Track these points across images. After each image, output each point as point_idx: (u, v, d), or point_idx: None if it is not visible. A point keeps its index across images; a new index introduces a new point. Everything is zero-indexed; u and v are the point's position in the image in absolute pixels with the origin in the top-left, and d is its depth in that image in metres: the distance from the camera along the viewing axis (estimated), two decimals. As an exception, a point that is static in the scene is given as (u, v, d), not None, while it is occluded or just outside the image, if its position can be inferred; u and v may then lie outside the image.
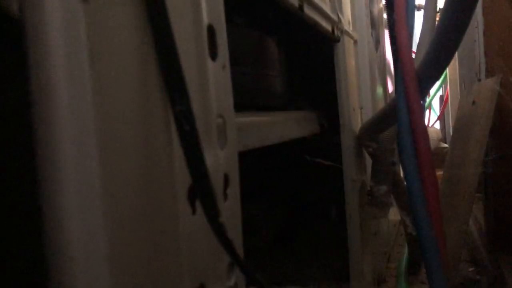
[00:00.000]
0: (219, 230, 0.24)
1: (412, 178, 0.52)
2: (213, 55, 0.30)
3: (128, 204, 0.21)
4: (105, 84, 0.20)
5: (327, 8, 0.66)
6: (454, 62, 2.06)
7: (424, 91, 0.56)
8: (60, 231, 0.17)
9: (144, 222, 0.22)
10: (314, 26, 0.63)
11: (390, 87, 1.45)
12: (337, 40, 0.74)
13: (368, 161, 0.87)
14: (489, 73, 0.92)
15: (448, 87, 2.85)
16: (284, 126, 0.61)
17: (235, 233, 0.32)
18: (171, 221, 0.25)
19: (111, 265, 0.19)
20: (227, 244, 0.24)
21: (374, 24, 1.17)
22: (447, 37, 0.47)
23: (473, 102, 0.97)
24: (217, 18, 0.31)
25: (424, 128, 0.52)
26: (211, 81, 0.29)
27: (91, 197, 0.19)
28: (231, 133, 0.33)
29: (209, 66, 0.29)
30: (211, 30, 0.30)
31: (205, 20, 0.29)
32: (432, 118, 3.55)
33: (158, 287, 0.23)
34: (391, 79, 1.46)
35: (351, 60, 0.83)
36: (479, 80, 1.03)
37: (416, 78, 0.55)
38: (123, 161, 0.21)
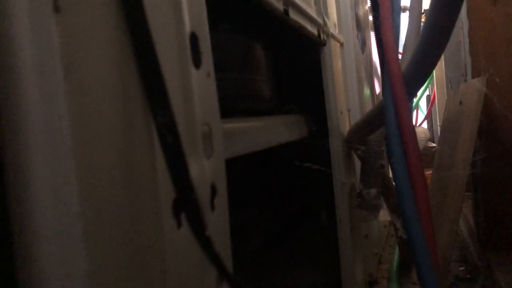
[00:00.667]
0: (206, 244, 0.23)
1: (402, 180, 0.52)
2: (197, 63, 0.29)
3: (109, 220, 0.20)
4: (81, 96, 0.19)
5: (312, 12, 0.66)
6: (441, 63, 2.08)
7: (411, 93, 0.56)
8: (34, 253, 0.17)
9: (126, 238, 0.22)
10: (300, 30, 0.62)
11: (377, 89, 1.45)
12: (323, 43, 0.74)
13: (357, 163, 0.87)
14: (475, 73, 0.92)
15: (435, 87, 2.88)
16: (272, 131, 0.60)
17: (223, 244, 0.31)
18: (155, 236, 0.24)
19: (90, 282, 0.18)
20: (214, 258, 0.23)
21: (359, 26, 1.17)
22: (433, 38, 0.46)
23: (460, 103, 0.97)
24: (200, 25, 0.30)
25: (412, 129, 0.52)
26: (195, 90, 0.28)
27: (68, 214, 0.18)
28: (217, 141, 0.32)
29: (192, 75, 0.28)
30: (194, 38, 0.29)
31: (188, 28, 0.28)
32: (419, 118, 3.57)
33: (143, 305, 0.22)
34: (378, 80, 1.47)
35: (337, 63, 0.83)
36: (466, 80, 1.04)
37: (403, 80, 0.54)
38: (102, 175, 0.20)
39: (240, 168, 0.80)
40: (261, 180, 0.98)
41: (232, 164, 0.37)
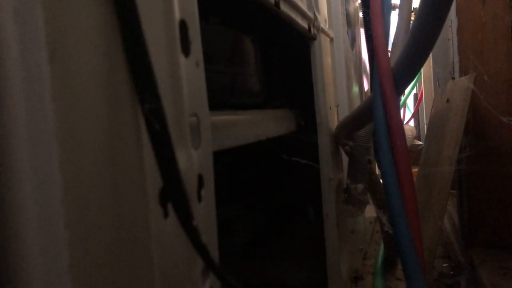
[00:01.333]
0: (192, 234, 0.23)
1: (389, 175, 0.52)
2: (186, 52, 0.29)
3: (93, 209, 0.20)
4: (66, 81, 0.19)
5: (303, 6, 0.66)
6: (428, 61, 2.09)
7: (400, 89, 0.56)
8: (17, 238, 0.16)
9: (112, 227, 0.21)
10: (290, 24, 0.62)
11: (366, 86, 1.46)
12: (314, 38, 0.73)
13: (345, 159, 0.87)
14: (463, 71, 0.93)
15: (423, 85, 2.90)
16: (260, 124, 0.60)
17: (210, 235, 0.30)
18: (141, 225, 0.24)
19: (73, 275, 0.18)
20: (201, 249, 0.23)
21: (350, 22, 1.17)
22: (422, 36, 0.47)
23: (447, 100, 0.98)
24: (190, 13, 0.30)
25: (400, 125, 0.52)
26: (183, 78, 0.28)
27: (51, 202, 0.18)
28: (205, 132, 0.31)
29: (181, 63, 0.28)
30: (183, 26, 0.29)
31: (177, 15, 0.28)
32: (406, 116, 3.60)
33: (127, 295, 0.22)
34: (366, 77, 1.47)
35: (327, 58, 0.83)
36: (453, 78, 1.05)
37: (392, 76, 0.55)
38: (87, 162, 0.20)
39: (227, 162, 0.80)
40: (248, 175, 0.98)
41: (220, 158, 0.37)
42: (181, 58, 0.28)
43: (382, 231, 0.96)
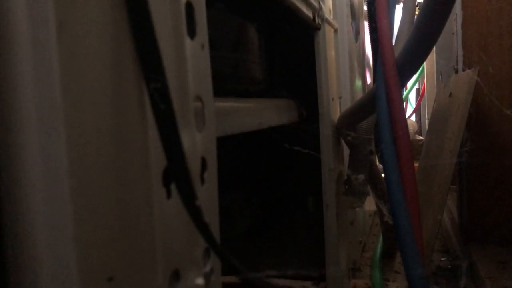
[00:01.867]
0: (195, 214, 0.23)
1: (391, 166, 0.52)
2: (192, 33, 0.29)
3: (98, 187, 0.20)
4: (73, 58, 0.19)
5: (308, -6, 0.65)
6: (432, 55, 2.09)
7: (403, 81, 0.56)
8: (23, 214, 0.16)
9: (115, 206, 0.21)
10: (295, 13, 0.62)
11: (368, 79, 1.45)
12: (318, 27, 0.73)
13: (346, 152, 0.87)
14: (467, 65, 0.93)
15: (425, 80, 2.89)
16: (263, 113, 0.60)
17: (212, 218, 0.31)
18: (144, 205, 0.24)
19: (79, 250, 0.18)
20: (203, 228, 0.23)
21: (354, 14, 1.17)
22: (427, 28, 0.46)
23: (450, 94, 0.98)
24: (196, -5, 0.30)
25: (403, 116, 0.52)
26: (189, 60, 0.28)
27: (57, 179, 0.18)
28: (209, 115, 0.31)
29: (187, 44, 0.28)
30: (189, 7, 0.29)
31: (184, -3, 0.28)
32: (408, 111, 3.59)
33: (130, 273, 0.22)
34: (369, 71, 1.47)
35: (331, 49, 0.82)
36: (457, 72, 1.04)
37: (396, 67, 0.54)
38: (92, 141, 0.20)
39: (229, 151, 0.80)
40: (249, 164, 0.98)
41: (221, 146, 0.37)
42: (187, 40, 0.28)
43: (381, 222, 0.96)
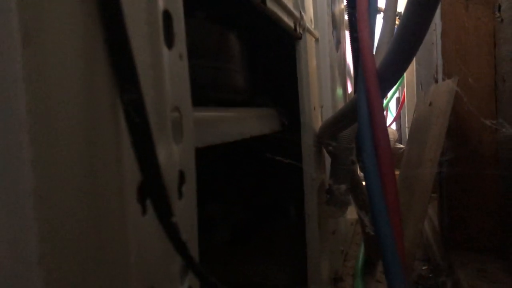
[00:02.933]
0: (171, 231, 0.22)
1: (372, 176, 0.52)
2: (169, 43, 0.28)
3: (67, 205, 0.19)
4: (40, 69, 0.18)
5: (289, 4, 0.65)
6: (412, 65, 2.12)
7: (384, 90, 0.56)
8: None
9: (86, 224, 0.20)
10: (276, 22, 0.61)
11: (350, 88, 1.46)
12: (299, 37, 0.73)
13: (327, 161, 0.87)
14: (446, 75, 0.94)
15: (405, 89, 2.93)
16: (244, 122, 0.59)
17: (190, 233, 0.30)
18: (118, 222, 0.23)
19: (43, 268, 0.17)
20: (179, 246, 0.22)
21: (335, 24, 1.17)
22: (408, 38, 0.46)
23: (430, 104, 0.99)
24: (174, 4, 0.29)
25: (384, 125, 0.52)
26: (166, 70, 0.27)
27: (21, 195, 0.17)
28: (187, 127, 0.31)
29: (164, 54, 0.27)
30: (167, 16, 0.28)
31: (161, 5, 0.27)
32: (388, 120, 3.63)
33: (102, 294, 0.21)
34: (350, 80, 1.48)
35: (312, 58, 0.82)
36: (436, 81, 1.05)
37: (377, 76, 0.54)
38: (60, 155, 0.19)
39: (210, 160, 0.79)
40: (230, 173, 0.97)
41: (202, 156, 0.36)
42: (164, 50, 0.27)
43: (363, 232, 0.96)
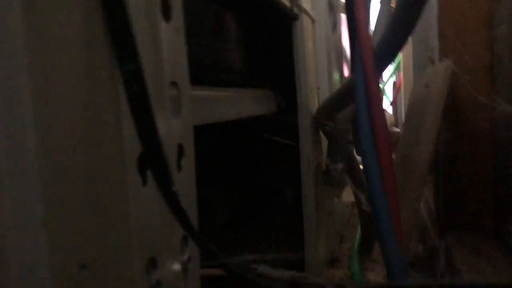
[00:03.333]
0: (171, 200, 0.22)
1: (369, 156, 0.52)
2: (167, 16, 0.28)
3: (69, 174, 0.19)
4: (41, 39, 0.18)
5: (286, -17, 0.65)
6: (408, 48, 2.11)
7: (380, 70, 0.56)
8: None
9: (88, 194, 0.21)
10: (272, 1, 0.61)
11: (346, 71, 1.46)
12: (296, 17, 0.73)
13: (324, 143, 0.88)
14: (443, 55, 0.94)
15: (402, 73, 2.93)
16: (241, 103, 0.60)
17: (189, 205, 0.30)
18: (119, 192, 0.23)
19: (49, 235, 0.17)
20: (180, 214, 0.23)
21: (332, 6, 1.17)
22: (403, 18, 0.47)
23: (426, 85, 0.99)
24: (171, -23, 0.29)
25: (381, 104, 0.52)
26: (164, 43, 0.27)
27: (25, 164, 0.17)
28: (185, 102, 0.31)
29: (161, 27, 0.27)
30: (164, -11, 0.28)
31: (158, -22, 0.27)
32: (385, 104, 3.63)
33: (104, 261, 0.21)
34: (346, 63, 1.47)
35: (309, 40, 0.82)
36: (433, 63, 1.06)
37: (374, 56, 0.55)
38: (62, 126, 0.19)
39: (207, 142, 0.79)
40: (227, 155, 0.98)
41: (199, 137, 0.36)
42: (162, 23, 0.27)
43: (359, 210, 0.97)
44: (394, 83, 3.53)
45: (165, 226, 0.27)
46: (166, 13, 0.28)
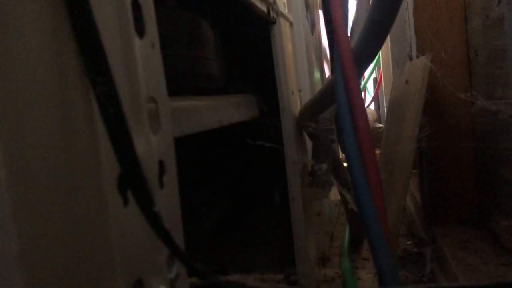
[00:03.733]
0: (154, 220, 0.22)
1: (353, 155, 0.52)
2: (140, 32, 0.27)
3: (44, 201, 0.19)
4: (6, 61, 0.17)
5: (261, -12, 0.65)
6: (386, 44, 2.13)
7: (360, 70, 0.56)
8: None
9: (66, 218, 0.20)
10: (249, 7, 0.61)
11: (327, 71, 1.47)
12: (273, 21, 0.73)
13: (309, 143, 0.88)
14: (420, 52, 0.95)
15: (381, 69, 2.95)
16: (222, 110, 0.59)
17: (173, 222, 0.30)
18: (99, 214, 0.22)
19: (23, 267, 0.17)
20: (163, 235, 0.22)
21: (308, 6, 1.17)
22: (380, 17, 0.47)
23: (406, 81, 1.00)
24: (142, -8, 0.28)
25: (362, 105, 0.53)
26: (138, 60, 0.27)
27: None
28: (164, 116, 0.30)
29: (135, 44, 0.26)
30: (136, 5, 0.28)
31: (129, -6, 0.27)
32: (367, 100, 3.66)
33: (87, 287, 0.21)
34: (327, 62, 1.48)
35: (288, 43, 0.82)
36: (411, 59, 1.07)
37: (353, 57, 0.55)
38: (36, 151, 0.19)
39: (191, 149, 0.79)
40: (213, 161, 0.97)
41: (183, 146, 0.36)
42: (135, 39, 0.27)
43: (346, 209, 0.97)
44: (375, 79, 3.56)
45: (150, 245, 0.27)
46: (140, 29, 0.27)
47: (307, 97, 0.95)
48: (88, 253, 0.21)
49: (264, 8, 0.66)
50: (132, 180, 0.22)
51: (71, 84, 0.21)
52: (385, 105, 2.91)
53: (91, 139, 0.22)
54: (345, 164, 0.66)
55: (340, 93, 0.54)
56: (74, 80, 0.21)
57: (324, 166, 0.76)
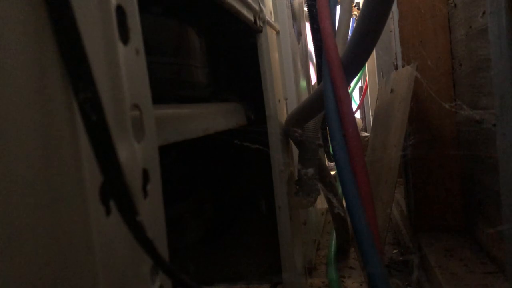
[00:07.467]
0: (137, 230, 0.21)
1: (343, 165, 0.52)
2: (124, 39, 0.27)
3: (25, 209, 0.18)
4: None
5: (248, -3, 0.65)
6: (372, 54, 2.15)
7: (349, 79, 0.56)
8: None
9: (47, 228, 0.19)
10: (236, 15, 0.61)
11: (313, 79, 1.47)
12: (260, 30, 0.73)
13: (295, 152, 0.88)
14: (406, 61, 0.96)
15: (367, 78, 2.98)
16: (208, 118, 0.59)
17: (157, 232, 0.29)
18: (81, 224, 0.22)
19: (3, 283, 0.16)
20: (146, 245, 0.22)
21: (295, 16, 1.18)
22: (369, 27, 0.47)
23: (392, 90, 1.01)
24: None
25: (351, 112, 0.53)
26: (122, 66, 0.26)
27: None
28: (149, 124, 0.30)
29: (119, 50, 0.26)
30: (121, 12, 0.27)
31: (113, 0, 0.26)
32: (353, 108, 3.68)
33: (67, 301, 0.20)
34: (314, 70, 1.49)
35: (274, 51, 0.82)
36: (396, 68, 1.08)
37: (342, 66, 0.55)
38: (15, 159, 0.18)
39: (176, 158, 0.78)
40: (199, 170, 0.97)
41: (168, 154, 0.36)
42: (119, 46, 0.26)
43: (332, 214, 0.97)
44: (361, 88, 3.59)
45: (133, 255, 0.26)
46: (124, 35, 0.27)
47: (293, 105, 0.95)
48: (70, 264, 0.21)
49: (250, 16, 0.66)
50: (114, 189, 0.21)
51: (53, 90, 0.20)
52: (370, 114, 2.94)
53: (73, 147, 0.21)
54: (332, 172, 0.66)
55: (330, 103, 0.54)
56: (56, 86, 0.21)
57: (310, 170, 0.75)
